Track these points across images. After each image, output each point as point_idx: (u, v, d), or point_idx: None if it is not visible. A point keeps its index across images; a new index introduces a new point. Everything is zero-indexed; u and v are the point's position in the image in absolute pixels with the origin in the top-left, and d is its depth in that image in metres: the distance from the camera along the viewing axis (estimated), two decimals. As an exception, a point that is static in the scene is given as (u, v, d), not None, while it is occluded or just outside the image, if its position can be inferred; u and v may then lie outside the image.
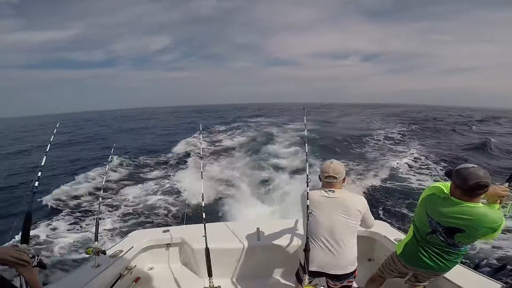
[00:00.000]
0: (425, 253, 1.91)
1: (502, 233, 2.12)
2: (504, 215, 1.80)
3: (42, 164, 2.01)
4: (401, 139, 18.79)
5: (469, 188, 1.64)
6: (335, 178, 1.94)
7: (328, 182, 1.98)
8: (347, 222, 1.90)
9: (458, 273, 2.12)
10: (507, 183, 1.89)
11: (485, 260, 4.76)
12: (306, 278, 1.92)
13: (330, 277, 1.98)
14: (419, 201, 2.00)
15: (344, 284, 2.01)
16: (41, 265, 1.21)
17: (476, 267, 4.39)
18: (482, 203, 1.78)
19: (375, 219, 2.21)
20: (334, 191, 1.94)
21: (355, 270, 1.98)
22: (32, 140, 26.05)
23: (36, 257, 1.20)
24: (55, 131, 2.34)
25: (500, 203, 1.82)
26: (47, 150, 2.12)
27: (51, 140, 2.20)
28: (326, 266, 1.92)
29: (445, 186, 1.89)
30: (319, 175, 2.05)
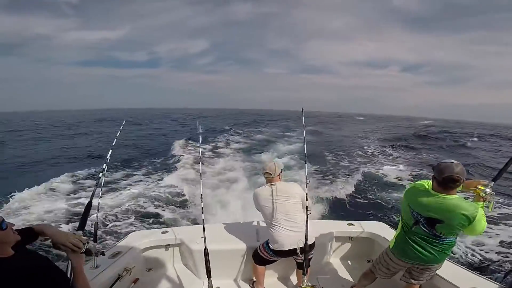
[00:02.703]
0: (414, 244, 1.99)
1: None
2: (487, 211, 1.88)
3: (108, 157, 2.21)
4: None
5: (441, 180, 1.79)
6: (271, 174, 2.45)
7: (266, 177, 2.50)
8: (293, 204, 2.36)
9: (456, 273, 2.14)
10: (493, 182, 1.97)
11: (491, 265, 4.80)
12: (305, 280, 1.94)
13: (300, 251, 2.26)
14: (403, 194, 2.11)
15: (310, 257, 2.36)
16: (88, 252, 1.27)
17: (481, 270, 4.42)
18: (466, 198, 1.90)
19: (372, 220, 2.30)
20: (275, 184, 2.43)
21: (314, 242, 2.39)
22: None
23: (86, 244, 1.25)
24: (121, 127, 2.53)
25: (483, 201, 1.89)
26: (113, 144, 2.29)
27: (118, 135, 2.41)
28: (298, 243, 2.26)
29: (427, 183, 2.00)
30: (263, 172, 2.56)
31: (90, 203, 1.90)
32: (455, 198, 1.81)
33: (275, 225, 2.32)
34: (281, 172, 2.51)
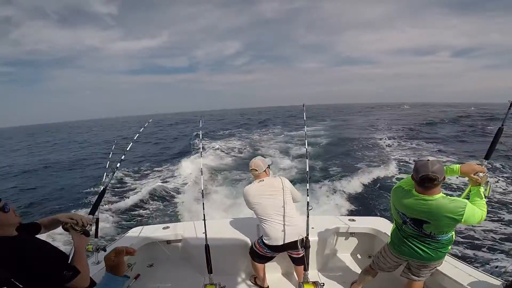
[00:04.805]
0: (407, 242, 1.95)
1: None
2: (485, 196, 1.80)
3: (128, 149, 2.34)
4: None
5: (418, 180, 1.71)
6: (256, 170, 2.44)
7: (253, 173, 2.48)
8: (283, 198, 2.35)
9: (459, 270, 2.12)
10: (485, 160, 1.89)
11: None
12: (307, 274, 1.93)
13: (295, 245, 2.27)
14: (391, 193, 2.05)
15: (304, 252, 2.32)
16: (85, 233, 1.36)
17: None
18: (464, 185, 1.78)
19: (375, 215, 2.27)
20: (263, 179, 2.43)
21: (308, 235, 2.32)
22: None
23: (88, 226, 1.38)
24: (146, 124, 2.71)
25: (479, 185, 1.79)
26: (135, 138, 2.44)
27: (140, 131, 2.59)
28: (292, 237, 2.26)
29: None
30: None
31: (104, 190, 2.04)
32: (438, 199, 1.71)
33: (268, 220, 2.30)
34: (268, 167, 2.51)
